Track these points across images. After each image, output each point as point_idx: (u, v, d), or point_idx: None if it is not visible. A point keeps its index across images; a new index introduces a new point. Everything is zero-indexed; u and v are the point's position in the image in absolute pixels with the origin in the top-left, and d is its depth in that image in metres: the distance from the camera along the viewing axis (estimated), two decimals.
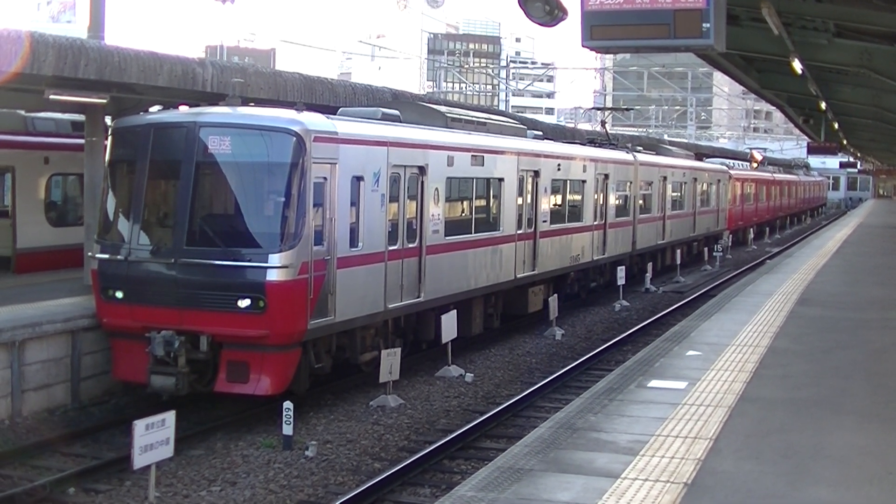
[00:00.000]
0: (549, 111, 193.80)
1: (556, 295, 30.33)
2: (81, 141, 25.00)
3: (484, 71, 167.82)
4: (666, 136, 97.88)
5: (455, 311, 23.95)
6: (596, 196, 35.47)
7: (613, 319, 33.38)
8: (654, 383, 15.63)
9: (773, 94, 37.36)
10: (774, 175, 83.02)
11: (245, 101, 21.57)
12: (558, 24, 13.33)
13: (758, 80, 32.60)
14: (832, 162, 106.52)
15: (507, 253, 27.86)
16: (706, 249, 52.62)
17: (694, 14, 10.96)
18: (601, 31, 11.52)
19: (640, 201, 41.39)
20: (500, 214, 27.55)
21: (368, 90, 29.39)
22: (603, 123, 49.80)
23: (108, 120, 24.25)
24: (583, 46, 11.73)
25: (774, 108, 53.08)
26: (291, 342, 18.99)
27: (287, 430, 17.74)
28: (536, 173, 29.76)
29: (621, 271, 35.92)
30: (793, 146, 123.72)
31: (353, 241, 20.45)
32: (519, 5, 13.30)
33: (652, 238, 43.53)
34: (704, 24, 10.94)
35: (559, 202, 32.37)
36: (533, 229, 29.68)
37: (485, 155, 26.44)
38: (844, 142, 62.96)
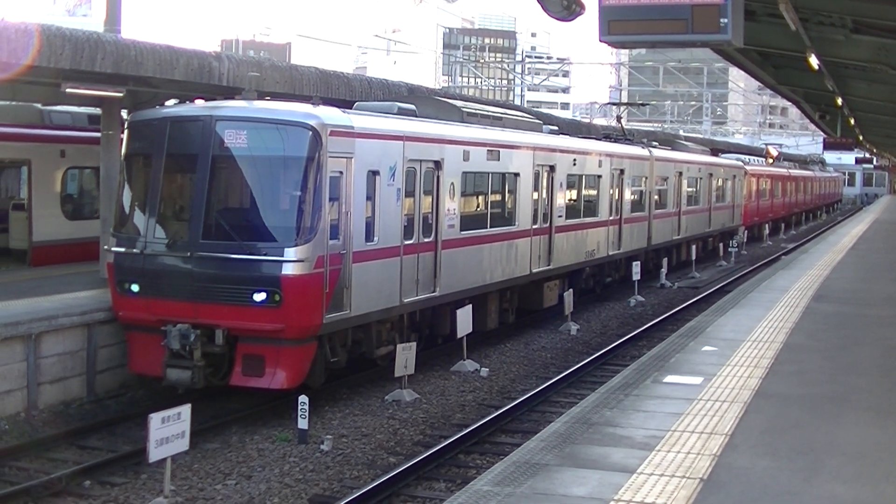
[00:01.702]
0: (565, 106, 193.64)
1: (571, 290, 30.32)
2: (97, 134, 25.03)
3: (499, 66, 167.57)
4: (681, 132, 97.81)
5: (470, 305, 23.97)
6: (611, 191, 35.44)
7: (628, 315, 33.36)
8: (669, 378, 15.63)
9: (789, 89, 37.25)
10: (790, 171, 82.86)
11: (261, 95, 21.58)
12: (575, 19, 13.33)
13: (774, 75, 32.51)
14: (848, 158, 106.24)
15: (523, 248, 27.85)
16: (721, 245, 52.52)
17: (712, 9, 10.95)
18: (619, 26, 11.52)
19: (656, 197, 41.35)
20: (516, 209, 27.54)
21: (384, 84, 29.39)
22: (618, 118, 49.70)
23: (124, 113, 24.29)
24: (600, 41, 11.73)
25: (790, 103, 52.93)
26: (307, 336, 19.01)
27: (302, 424, 17.77)
28: (552, 168, 29.74)
29: (636, 266, 35.92)
30: (808, 142, 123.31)
31: (369, 236, 20.46)
32: (537, 0, 13.29)
33: (667, 233, 43.49)
34: (722, 20, 10.94)
35: (575, 197, 32.36)
36: (548, 224, 29.66)
37: (500, 150, 26.43)
38: (860, 137, 62.73)
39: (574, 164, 31.61)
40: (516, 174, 27.37)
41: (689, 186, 46.90)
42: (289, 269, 18.43)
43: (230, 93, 22.39)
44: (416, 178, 22.34)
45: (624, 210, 36.83)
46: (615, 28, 11.54)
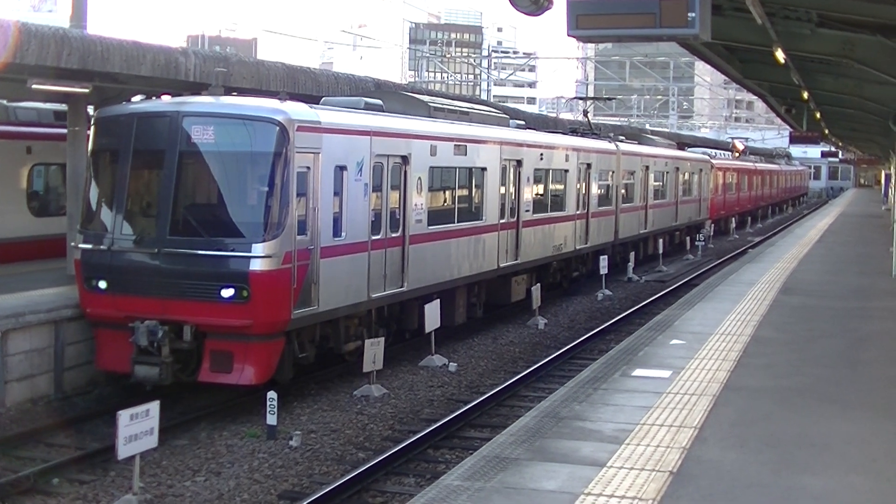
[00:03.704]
0: (531, 101, 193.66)
1: (538, 284, 30.36)
2: (64, 131, 24.91)
3: (466, 61, 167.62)
4: (648, 126, 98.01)
5: (438, 300, 23.96)
6: (578, 185, 35.49)
7: (596, 309, 33.42)
8: (638, 372, 15.68)
9: (755, 83, 37.31)
10: (756, 164, 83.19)
11: (228, 91, 21.53)
12: (543, 14, 13.33)
13: (740, 69, 32.57)
14: (814, 151, 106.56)
15: (490, 242, 27.87)
16: (688, 239, 52.71)
17: (680, 3, 10.94)
18: (587, 20, 11.50)
19: (623, 191, 41.44)
20: (483, 204, 27.56)
21: (351, 79, 29.34)
22: (585, 113, 49.75)
23: (90, 109, 24.19)
24: (568, 35, 11.71)
25: (756, 97, 53.09)
26: (275, 332, 18.99)
27: (271, 419, 17.74)
28: (519, 163, 29.77)
29: (604, 261, 35.98)
30: (774, 136, 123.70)
31: (337, 231, 20.44)
32: None
33: (634, 227, 43.60)
34: (690, 14, 10.93)
35: (542, 192, 32.38)
36: (516, 219, 29.69)
37: (467, 144, 26.44)
38: (826, 131, 62.95)
39: (541, 159, 31.64)
40: (483, 169, 27.38)
41: (655, 180, 47.05)
42: (256, 265, 18.40)
43: (197, 88, 22.33)
44: (383, 173, 22.33)
45: (591, 204, 36.89)
46: (583, 22, 11.52)
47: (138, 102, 22.08)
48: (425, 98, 27.11)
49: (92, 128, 20.84)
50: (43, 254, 26.82)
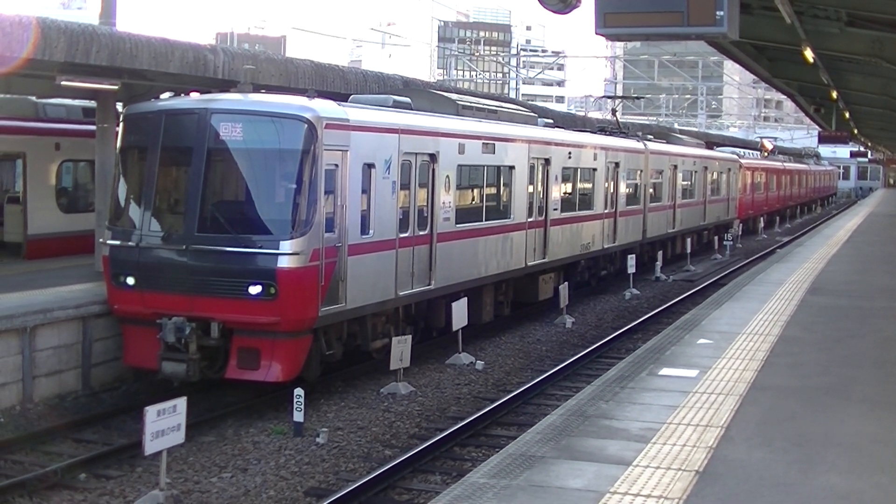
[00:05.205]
0: (560, 99, 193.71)
1: (566, 283, 30.31)
2: (93, 127, 25.02)
3: (494, 59, 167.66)
4: (676, 125, 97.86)
5: (466, 298, 23.96)
6: (606, 184, 35.44)
7: (624, 308, 33.36)
8: (665, 371, 15.62)
9: (784, 82, 37.27)
10: (785, 164, 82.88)
11: (256, 88, 21.56)
12: (571, 12, 13.30)
13: (769, 68, 32.53)
14: (843, 151, 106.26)
15: (518, 241, 27.85)
16: (716, 238, 52.56)
17: (707, 2, 10.91)
18: (614, 19, 11.47)
19: (651, 190, 41.36)
20: (511, 202, 27.53)
21: (379, 77, 29.38)
22: (613, 112, 49.68)
23: (119, 106, 24.28)
24: (596, 34, 11.69)
25: (785, 97, 52.97)
26: (302, 329, 19.01)
27: (298, 416, 17.77)
28: (547, 161, 29.73)
29: (632, 259, 35.90)
30: (803, 135, 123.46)
31: (364, 229, 20.46)
32: None
33: (662, 226, 43.50)
34: (718, 12, 10.90)
35: (570, 190, 32.35)
36: (543, 217, 29.66)
37: (496, 143, 26.42)
38: (855, 131, 62.78)
39: (569, 157, 31.61)
40: (511, 167, 27.36)
41: (684, 180, 46.93)
42: (284, 262, 18.43)
43: (225, 86, 22.38)
44: (411, 171, 22.33)
45: (619, 203, 36.84)
46: (611, 21, 11.50)
47: (167, 99, 22.17)
48: (453, 96, 27.11)
49: (120, 125, 20.92)
50: (71, 250, 26.95)
